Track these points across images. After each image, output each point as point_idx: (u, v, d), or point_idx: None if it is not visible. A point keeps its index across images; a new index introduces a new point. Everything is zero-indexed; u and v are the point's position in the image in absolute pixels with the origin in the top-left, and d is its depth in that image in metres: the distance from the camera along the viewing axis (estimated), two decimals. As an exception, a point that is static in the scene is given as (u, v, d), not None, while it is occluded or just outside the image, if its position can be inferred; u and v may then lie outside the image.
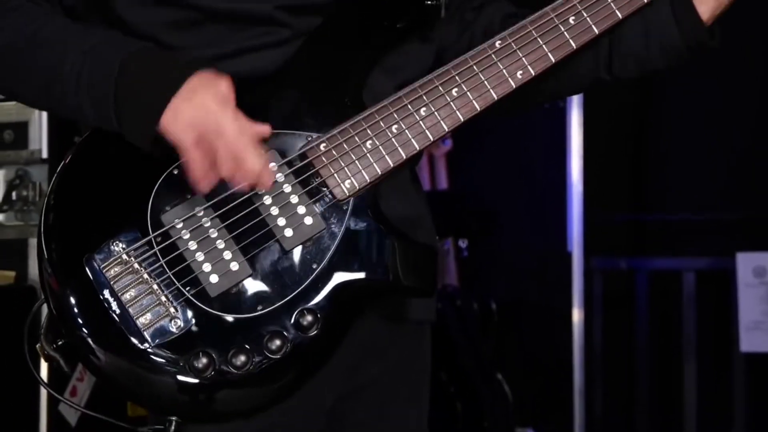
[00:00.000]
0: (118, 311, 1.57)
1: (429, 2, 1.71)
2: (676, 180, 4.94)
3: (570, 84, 1.84)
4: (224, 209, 1.60)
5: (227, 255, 1.59)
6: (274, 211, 1.61)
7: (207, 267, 1.59)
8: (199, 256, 1.59)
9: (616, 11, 1.70)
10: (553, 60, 1.69)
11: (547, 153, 4.76)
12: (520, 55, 1.68)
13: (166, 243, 1.59)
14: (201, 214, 1.60)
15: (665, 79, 4.94)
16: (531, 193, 4.91)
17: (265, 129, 1.58)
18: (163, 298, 1.58)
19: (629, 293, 4.82)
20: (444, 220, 4.59)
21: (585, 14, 1.69)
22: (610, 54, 1.77)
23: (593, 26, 1.70)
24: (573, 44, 1.69)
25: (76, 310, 1.57)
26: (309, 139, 1.64)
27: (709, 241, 4.70)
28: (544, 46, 1.69)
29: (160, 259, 1.58)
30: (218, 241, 1.59)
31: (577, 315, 4.54)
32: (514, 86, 1.68)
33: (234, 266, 1.59)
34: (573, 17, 1.69)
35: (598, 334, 4.81)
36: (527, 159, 4.96)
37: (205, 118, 1.54)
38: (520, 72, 1.68)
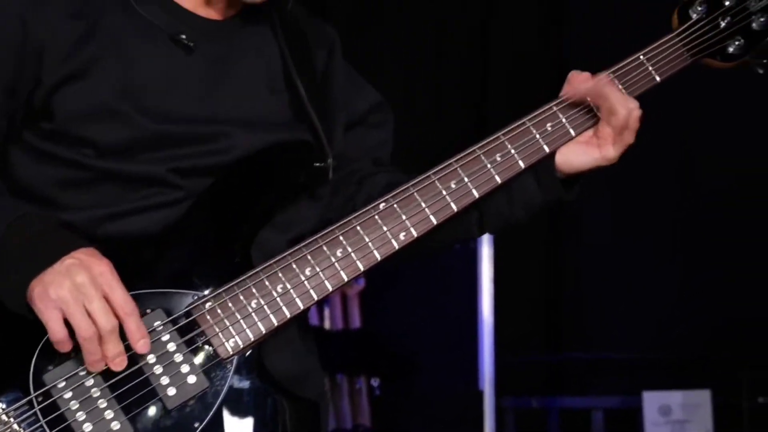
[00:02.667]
0: (-6, 473, 1.55)
1: (317, 164, 1.77)
2: (585, 320, 5.04)
3: (444, 242, 1.91)
4: (107, 368, 1.61)
5: (109, 414, 1.60)
6: (158, 369, 1.62)
7: (88, 427, 1.59)
8: (80, 416, 1.59)
9: (496, 176, 1.78)
10: (435, 222, 1.75)
11: (459, 292, 4.82)
12: (404, 217, 1.74)
13: (47, 402, 1.59)
14: (83, 373, 1.60)
15: (577, 220, 5.09)
16: (443, 331, 4.95)
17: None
18: (41, 460, 1.56)
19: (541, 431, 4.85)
20: (357, 360, 4.60)
21: (466, 179, 1.77)
22: (480, 214, 1.86)
23: (473, 190, 1.77)
24: (454, 207, 1.76)
25: None
26: (195, 297, 1.66)
27: (617, 380, 4.78)
28: (426, 209, 1.75)
29: (41, 419, 1.58)
30: (100, 401, 1.60)
31: (489, 453, 4.53)
32: (397, 247, 1.74)
33: (115, 426, 1.60)
34: (455, 182, 1.76)
35: (511, 471, 4.81)
36: (440, 298, 5.01)
37: (75, 295, 1.56)
38: (403, 234, 1.74)
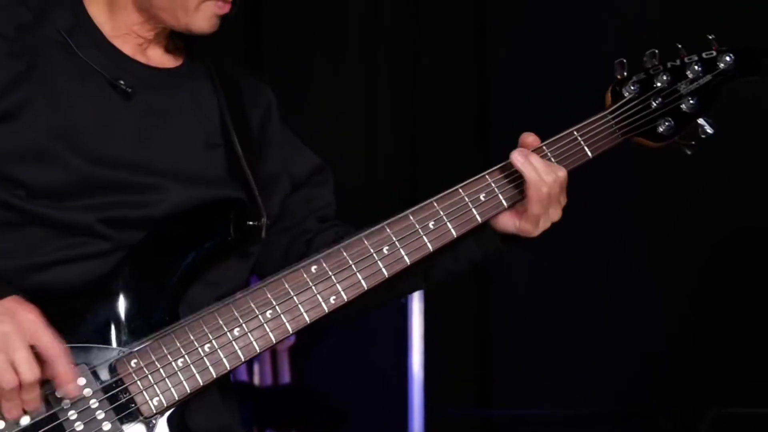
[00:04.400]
0: None
1: (251, 223, 1.77)
2: (519, 374, 5.05)
3: (391, 296, 1.95)
4: (25, 426, 1.58)
5: (25, 472, 1.56)
6: (79, 426, 1.60)
7: (2, 485, 1.55)
8: (-7, 474, 1.56)
9: (428, 244, 1.79)
10: (366, 287, 1.76)
11: (390, 346, 4.82)
12: (335, 281, 1.75)
13: None
14: (2, 427, 1.57)
15: (508, 274, 5.13)
16: (374, 386, 4.93)
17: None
18: None
19: (471, 489, 4.83)
20: (287, 415, 4.56)
21: (398, 245, 1.78)
22: (426, 269, 1.89)
23: (405, 257, 1.78)
24: (385, 273, 1.77)
25: None
26: (121, 353, 1.65)
27: (548, 436, 4.79)
28: (358, 273, 1.76)
29: None
30: (16, 459, 1.57)
31: None
32: (327, 311, 1.74)
33: (32, 485, 1.56)
34: (387, 247, 1.77)
35: None
36: (370, 353, 5.00)
37: (8, 343, 1.54)
38: (334, 297, 1.74)
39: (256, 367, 4.78)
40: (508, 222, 1.83)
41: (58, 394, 1.59)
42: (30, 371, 1.55)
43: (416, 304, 4.59)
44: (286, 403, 4.66)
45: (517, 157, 1.80)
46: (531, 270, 5.05)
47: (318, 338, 4.90)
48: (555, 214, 1.82)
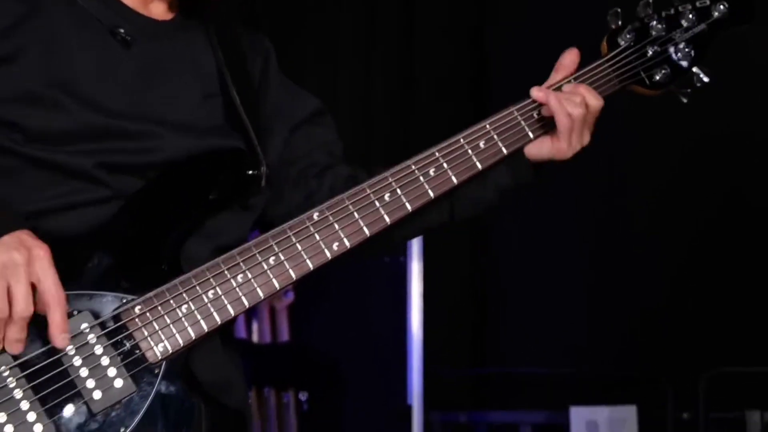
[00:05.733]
0: None
1: (250, 172, 1.77)
2: (513, 335, 5.09)
3: (416, 232, 1.96)
4: (32, 369, 1.59)
5: (31, 416, 1.57)
6: (84, 372, 1.61)
7: (9, 428, 1.57)
8: (1, 417, 1.57)
9: (429, 191, 1.80)
10: (368, 234, 1.77)
11: (388, 306, 4.84)
12: (337, 228, 1.75)
13: None
14: (6, 373, 1.58)
15: (504, 236, 5.14)
16: (372, 345, 4.96)
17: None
18: (-39, 460, 1.54)
19: (469, 446, 4.87)
20: (285, 373, 4.58)
21: (399, 192, 1.79)
22: (451, 201, 1.89)
23: (407, 203, 1.79)
24: (387, 220, 1.78)
25: None
26: (124, 301, 1.65)
27: (544, 395, 4.83)
28: (360, 220, 1.77)
29: None
30: (23, 402, 1.58)
31: (418, 468, 4.54)
32: (330, 257, 1.74)
33: (38, 428, 1.58)
34: (388, 194, 1.78)
35: (440, 486, 4.82)
36: (368, 312, 5.02)
37: (3, 272, 1.54)
38: (336, 244, 1.75)
39: (254, 326, 4.80)
40: (539, 151, 1.86)
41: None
42: (25, 306, 1.55)
43: (415, 264, 4.60)
44: (284, 361, 4.68)
45: (536, 93, 1.82)
46: (526, 233, 5.07)
47: (317, 297, 4.92)
48: (585, 138, 1.85)
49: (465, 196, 1.89)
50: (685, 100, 1.94)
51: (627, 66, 1.91)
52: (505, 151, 1.84)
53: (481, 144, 1.83)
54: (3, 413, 1.57)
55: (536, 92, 1.85)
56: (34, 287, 1.57)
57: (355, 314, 4.97)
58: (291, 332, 4.79)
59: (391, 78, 5.21)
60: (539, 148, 1.87)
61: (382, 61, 5.20)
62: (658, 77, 1.92)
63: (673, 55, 1.91)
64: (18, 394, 1.58)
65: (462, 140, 1.83)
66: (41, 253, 1.57)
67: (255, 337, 4.76)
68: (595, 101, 1.84)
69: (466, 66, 5.30)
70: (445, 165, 1.81)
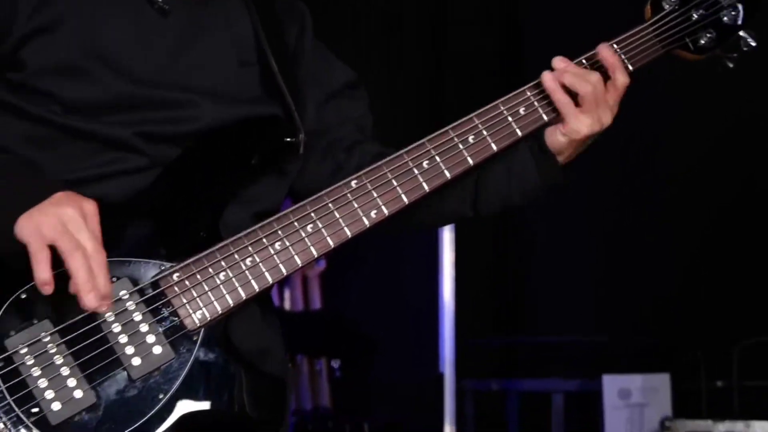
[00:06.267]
0: (-47, 438, 1.53)
1: (288, 140, 1.76)
2: (545, 304, 5.07)
3: (435, 219, 1.95)
4: (71, 335, 1.60)
5: (71, 382, 1.58)
6: (123, 339, 1.61)
7: (50, 394, 1.57)
8: (42, 383, 1.57)
9: (468, 158, 1.78)
10: (406, 201, 1.75)
11: (420, 275, 4.84)
12: (375, 195, 1.74)
13: (9, 368, 1.57)
14: (47, 339, 1.59)
15: (535, 205, 5.11)
16: (404, 314, 4.97)
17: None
18: (1, 425, 1.55)
19: (500, 414, 4.88)
20: (317, 341, 4.60)
21: (438, 159, 1.77)
22: (477, 194, 1.88)
23: (445, 171, 1.77)
24: (426, 187, 1.76)
25: None
26: (162, 268, 1.65)
27: (577, 364, 4.82)
28: (398, 187, 1.75)
29: (1, 385, 1.56)
30: (63, 368, 1.58)
31: (449, 435, 4.56)
32: (368, 225, 1.73)
33: (78, 394, 1.58)
34: (427, 162, 1.76)
35: (470, 454, 4.84)
36: (400, 281, 5.02)
37: (63, 229, 1.54)
38: (374, 212, 1.74)
39: (287, 293, 4.81)
40: (556, 134, 1.82)
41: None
42: (96, 248, 1.55)
43: (447, 234, 4.59)
44: (317, 329, 4.69)
45: (554, 68, 1.80)
46: (558, 200, 5.04)
47: (349, 266, 4.93)
48: (605, 117, 1.80)
49: (490, 191, 1.87)
50: (731, 65, 1.90)
51: (671, 30, 1.87)
52: (545, 118, 1.82)
53: (521, 110, 1.81)
54: (44, 379, 1.57)
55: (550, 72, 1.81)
56: None
57: (388, 283, 4.97)
58: (323, 300, 4.81)
59: (421, 54, 5.18)
60: (555, 133, 1.83)
61: (412, 37, 5.16)
62: (703, 41, 1.88)
63: (720, 19, 1.87)
64: (58, 360, 1.58)
65: (501, 106, 1.81)
66: (92, 208, 1.57)
67: (287, 305, 4.78)
68: (623, 77, 1.81)
69: (497, 41, 5.25)
70: (484, 132, 1.79)
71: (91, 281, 1.54)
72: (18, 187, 1.59)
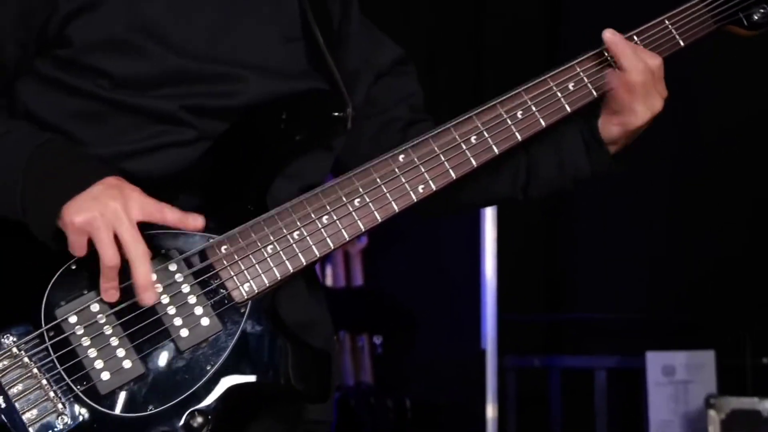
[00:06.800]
0: (4, 405, 1.56)
1: (335, 114, 1.75)
2: (588, 280, 5.04)
3: (486, 200, 1.96)
4: (121, 306, 1.61)
5: (120, 352, 1.59)
6: (171, 310, 1.62)
7: (99, 364, 1.59)
8: (92, 353, 1.59)
9: (516, 133, 1.77)
10: (454, 177, 1.74)
11: (462, 252, 4.83)
12: (423, 170, 1.73)
13: (59, 338, 1.59)
14: (96, 310, 1.60)
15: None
16: (446, 290, 4.96)
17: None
18: (52, 394, 1.57)
19: (542, 391, 4.87)
20: (359, 317, 4.61)
21: (486, 134, 1.76)
22: (528, 179, 1.88)
23: (494, 146, 1.76)
24: (474, 163, 1.75)
25: None
26: (210, 240, 1.66)
27: (620, 341, 4.79)
28: (446, 162, 1.74)
29: (51, 353, 1.58)
30: (112, 338, 1.60)
31: (491, 412, 4.56)
32: (416, 200, 1.73)
33: (127, 364, 1.59)
34: (475, 137, 1.75)
35: (512, 430, 4.83)
36: (442, 257, 5.01)
37: (103, 220, 1.55)
38: (422, 186, 1.73)
39: (329, 270, 4.83)
40: (609, 125, 1.80)
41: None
42: (137, 244, 1.56)
43: (489, 209, 4.57)
44: (358, 305, 4.70)
45: (609, 36, 1.77)
46: (601, 182, 4.99)
47: (391, 242, 4.92)
48: (656, 104, 1.78)
49: (541, 176, 1.87)
50: None
51: (724, 5, 1.84)
52: (595, 93, 1.80)
53: (570, 86, 1.79)
54: (93, 349, 1.59)
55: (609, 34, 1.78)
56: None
57: (430, 259, 4.97)
58: (365, 277, 4.81)
59: (461, 27, 5.14)
60: (608, 124, 1.81)
61: (453, 8, 5.13)
62: (756, 17, 1.85)
63: None
64: (108, 330, 1.60)
65: (550, 81, 1.79)
66: (135, 195, 1.58)
67: (329, 282, 4.79)
68: (653, 60, 1.78)
69: (538, 12, 5.20)
70: (533, 107, 1.78)
71: (115, 277, 1.56)
72: (63, 174, 1.59)
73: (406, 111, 1.92)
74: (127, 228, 1.56)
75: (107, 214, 1.55)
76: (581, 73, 1.80)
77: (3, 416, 1.55)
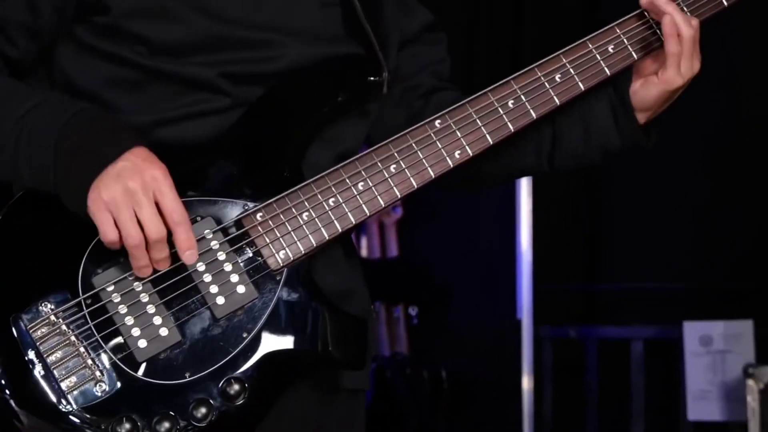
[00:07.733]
0: (42, 373, 1.56)
1: (371, 78, 1.74)
2: (624, 250, 5.00)
3: (511, 172, 1.92)
4: (157, 274, 1.60)
5: (157, 320, 1.59)
6: (207, 278, 1.62)
7: (136, 331, 1.59)
8: (129, 321, 1.59)
9: (554, 97, 1.75)
10: (491, 141, 1.72)
11: (497, 222, 4.81)
12: (459, 135, 1.71)
13: (96, 306, 1.59)
14: (132, 278, 1.60)
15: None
16: (481, 261, 4.94)
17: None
18: (90, 361, 1.57)
19: (578, 361, 4.85)
20: (394, 288, 4.61)
21: (524, 99, 1.73)
22: (553, 149, 1.84)
23: (531, 110, 1.74)
24: (511, 127, 1.73)
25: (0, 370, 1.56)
26: (246, 207, 1.65)
27: (656, 311, 4.75)
28: (482, 127, 1.72)
29: (89, 321, 1.58)
30: (149, 306, 1.60)
31: (527, 383, 4.55)
32: (452, 165, 1.71)
33: (163, 332, 1.59)
34: (512, 101, 1.73)
35: (548, 401, 4.83)
36: (477, 228, 4.99)
37: (125, 201, 1.55)
38: (458, 152, 1.71)
39: (363, 241, 4.83)
40: (648, 87, 1.77)
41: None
42: (156, 228, 1.56)
43: (524, 180, 4.54)
44: (394, 276, 4.70)
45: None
46: (639, 152, 4.95)
47: (426, 213, 4.91)
48: (696, 65, 1.75)
49: (566, 146, 1.83)
50: None
51: None
52: (635, 56, 1.77)
53: (610, 49, 1.76)
54: (130, 316, 1.59)
55: None
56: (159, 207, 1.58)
57: (465, 230, 4.95)
58: (400, 248, 4.80)
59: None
60: (646, 87, 1.78)
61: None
62: None
63: None
64: (144, 298, 1.60)
65: (590, 44, 1.76)
66: (156, 173, 1.57)
67: (364, 253, 4.79)
68: (694, 20, 1.74)
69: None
70: (572, 71, 1.75)
71: (144, 255, 1.56)
72: (91, 147, 1.58)
73: (429, 78, 1.89)
74: (167, 192, 1.56)
75: (127, 193, 1.55)
76: (621, 35, 1.77)
77: (42, 383, 1.56)
